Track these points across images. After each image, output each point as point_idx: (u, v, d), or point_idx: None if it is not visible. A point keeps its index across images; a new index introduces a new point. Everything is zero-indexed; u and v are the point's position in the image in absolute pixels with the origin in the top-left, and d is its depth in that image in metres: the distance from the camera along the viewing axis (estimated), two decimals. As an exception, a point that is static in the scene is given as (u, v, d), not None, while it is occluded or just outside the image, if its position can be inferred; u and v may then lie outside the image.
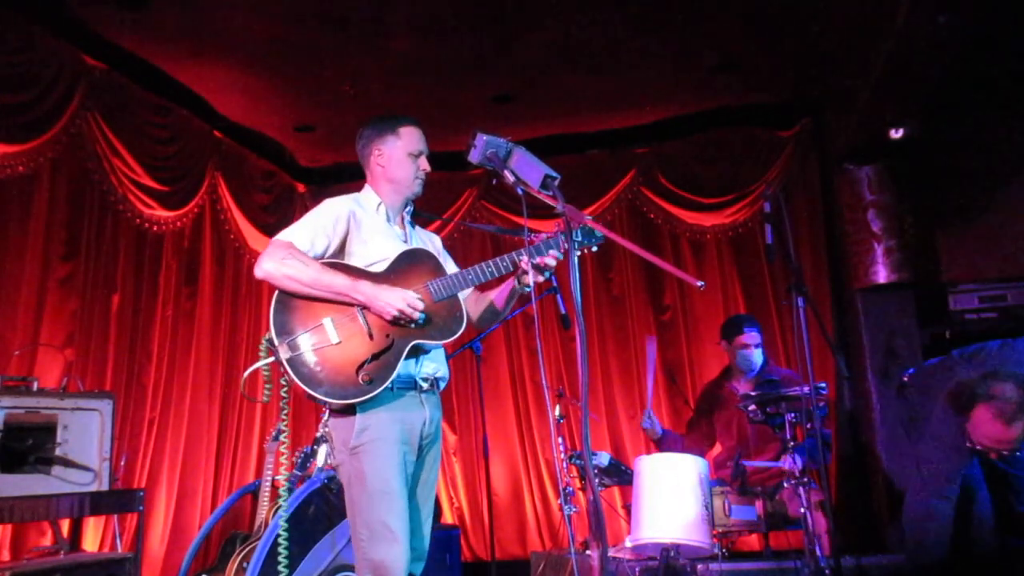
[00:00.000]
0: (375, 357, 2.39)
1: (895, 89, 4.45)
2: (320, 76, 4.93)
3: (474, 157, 2.39)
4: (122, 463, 4.14)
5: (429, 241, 2.82)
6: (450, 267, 2.76)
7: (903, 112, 4.65)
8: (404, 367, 2.44)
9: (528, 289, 2.55)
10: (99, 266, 4.50)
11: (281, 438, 2.49)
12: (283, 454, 2.53)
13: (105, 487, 3.50)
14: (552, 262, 2.49)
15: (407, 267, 2.53)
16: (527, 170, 2.30)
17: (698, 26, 4.57)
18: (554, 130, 5.86)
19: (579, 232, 2.54)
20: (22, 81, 3.98)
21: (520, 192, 2.28)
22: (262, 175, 5.87)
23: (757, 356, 4.42)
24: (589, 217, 2.35)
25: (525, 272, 2.52)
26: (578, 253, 2.51)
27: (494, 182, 2.40)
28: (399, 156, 2.65)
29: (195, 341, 5.12)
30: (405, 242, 2.67)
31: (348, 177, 5.79)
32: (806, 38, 4.68)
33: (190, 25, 4.31)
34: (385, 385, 2.38)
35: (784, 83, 5.33)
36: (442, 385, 2.64)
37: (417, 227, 2.83)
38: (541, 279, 2.52)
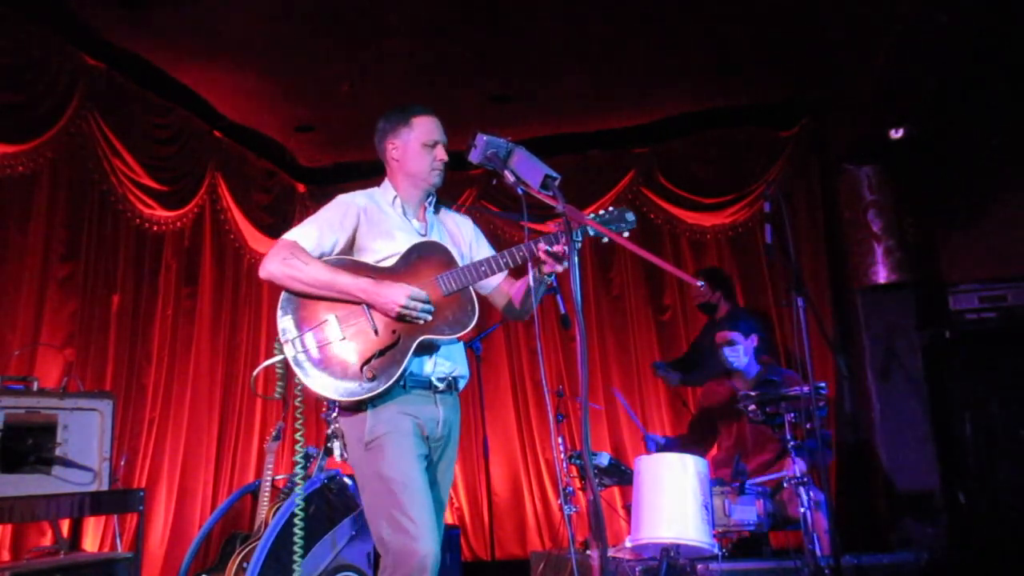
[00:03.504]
0: (380, 353, 2.35)
1: (895, 89, 4.46)
2: (320, 76, 4.93)
3: (474, 157, 2.38)
4: (122, 463, 4.14)
5: (458, 229, 2.74)
6: (483, 251, 2.70)
7: (903, 112, 4.65)
8: (417, 365, 2.40)
9: (549, 279, 2.47)
10: (99, 266, 4.50)
11: (297, 436, 2.46)
12: (298, 441, 2.49)
13: (105, 487, 3.50)
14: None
15: (417, 261, 2.47)
16: (527, 170, 2.29)
17: (698, 26, 4.58)
18: (554, 130, 5.86)
19: (578, 233, 2.44)
20: (22, 81, 3.98)
21: (520, 192, 2.27)
22: (262, 175, 5.87)
23: (735, 355, 4.39)
24: (589, 217, 2.34)
25: (543, 261, 2.42)
26: (605, 239, 2.40)
27: (494, 182, 2.38)
28: (414, 148, 2.58)
29: (195, 341, 5.11)
30: (423, 235, 2.60)
31: (348, 177, 5.80)
32: (806, 38, 4.68)
33: (190, 25, 4.31)
34: (390, 382, 2.32)
35: (784, 83, 5.33)
36: (461, 384, 2.57)
37: (445, 212, 2.75)
38: (560, 268, 2.41)
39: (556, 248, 2.37)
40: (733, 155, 5.75)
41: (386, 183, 2.67)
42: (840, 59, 4.79)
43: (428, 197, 2.67)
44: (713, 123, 5.76)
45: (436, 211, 2.71)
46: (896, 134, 4.75)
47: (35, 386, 3.45)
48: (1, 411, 3.20)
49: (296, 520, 2.49)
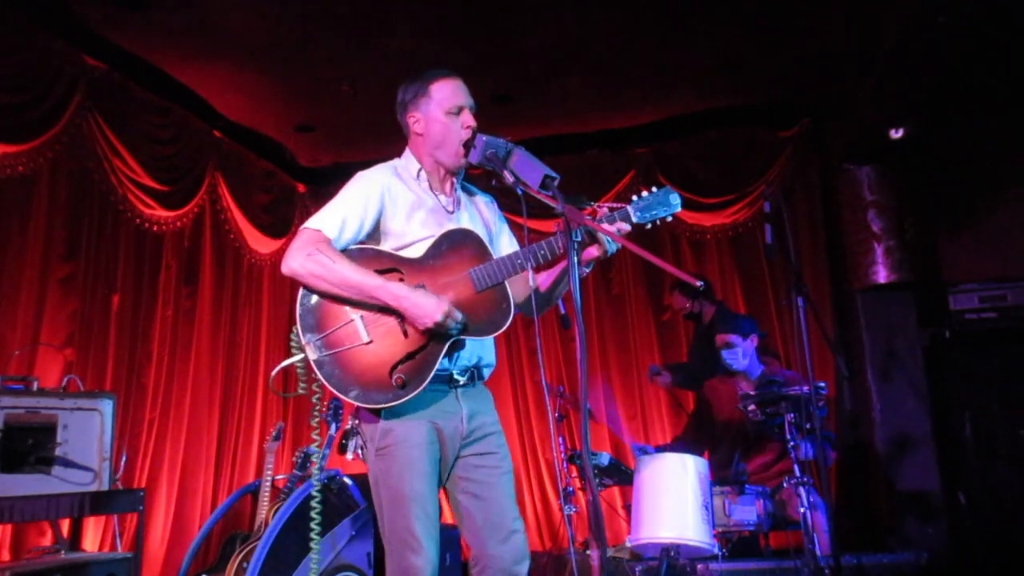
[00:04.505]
0: (410, 357, 2.19)
1: (895, 89, 4.45)
2: (320, 76, 4.93)
3: (473, 157, 2.35)
4: (122, 463, 4.14)
5: (487, 207, 2.57)
6: (504, 240, 2.53)
7: (903, 112, 4.65)
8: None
9: (588, 269, 2.34)
10: (99, 266, 4.50)
11: (313, 435, 2.38)
12: (315, 441, 2.41)
13: (105, 487, 3.49)
14: (617, 236, 2.25)
15: (448, 252, 2.28)
16: (527, 170, 2.27)
17: (698, 27, 4.58)
18: (554, 130, 5.86)
19: (578, 232, 2.32)
20: (22, 81, 3.98)
21: (520, 192, 2.26)
22: (262, 175, 5.87)
23: (733, 357, 4.35)
24: (589, 217, 2.33)
25: (586, 245, 2.27)
26: (649, 224, 2.36)
27: (493, 182, 2.33)
28: (436, 117, 2.36)
29: (195, 341, 5.12)
30: (451, 212, 2.41)
31: (348, 177, 5.79)
32: (806, 39, 4.68)
33: (190, 25, 4.31)
34: (421, 387, 2.18)
35: (784, 84, 5.33)
36: (486, 373, 2.39)
37: (472, 189, 2.58)
38: (601, 255, 2.29)
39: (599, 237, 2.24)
40: (733, 155, 5.75)
41: (408, 154, 2.47)
42: (840, 59, 4.79)
43: (457, 174, 2.47)
44: (713, 123, 5.76)
45: (463, 187, 2.54)
46: (896, 134, 4.75)
47: (35, 386, 3.45)
48: (1, 411, 3.20)
49: (313, 514, 2.42)
